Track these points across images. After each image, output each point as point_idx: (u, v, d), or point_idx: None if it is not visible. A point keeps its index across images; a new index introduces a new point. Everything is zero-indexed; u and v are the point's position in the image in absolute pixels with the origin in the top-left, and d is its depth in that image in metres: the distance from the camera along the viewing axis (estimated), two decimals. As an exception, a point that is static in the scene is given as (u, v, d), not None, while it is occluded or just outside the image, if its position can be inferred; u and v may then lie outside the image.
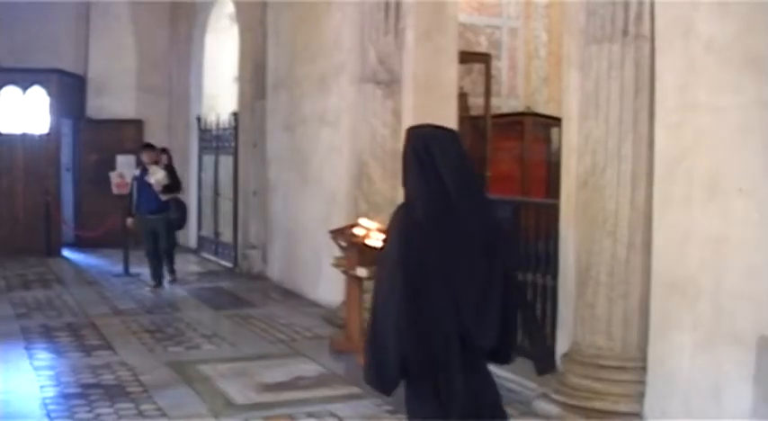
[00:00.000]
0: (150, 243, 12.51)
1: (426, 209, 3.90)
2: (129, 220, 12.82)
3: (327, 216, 10.42)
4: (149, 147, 12.93)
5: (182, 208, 12.86)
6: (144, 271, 13.28)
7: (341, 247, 8.85)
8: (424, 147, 4.01)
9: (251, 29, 13.76)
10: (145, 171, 12.40)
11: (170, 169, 12.71)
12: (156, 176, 12.25)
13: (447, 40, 9.73)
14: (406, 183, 4.09)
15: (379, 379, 3.91)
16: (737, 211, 5.16)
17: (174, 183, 12.53)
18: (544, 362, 4.57)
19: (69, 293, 12.03)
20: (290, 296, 11.89)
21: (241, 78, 14.40)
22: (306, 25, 11.79)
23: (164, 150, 13.48)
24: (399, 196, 10.10)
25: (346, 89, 10.45)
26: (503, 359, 4.14)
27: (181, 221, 12.94)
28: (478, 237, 3.89)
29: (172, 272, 13.05)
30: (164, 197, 12.36)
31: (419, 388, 3.95)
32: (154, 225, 12.42)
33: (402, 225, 3.97)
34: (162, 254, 12.58)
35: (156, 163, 12.53)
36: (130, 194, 12.83)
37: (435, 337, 3.81)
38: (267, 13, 13.30)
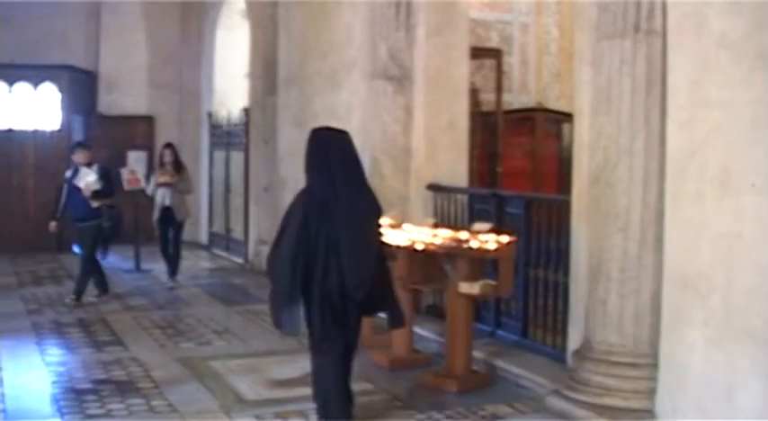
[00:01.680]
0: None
1: (319, 190, 5.69)
2: (53, 224, 11.41)
3: (338, 212, 10.41)
4: (81, 146, 11.55)
5: (116, 216, 11.33)
6: (156, 266, 13.31)
7: (352, 244, 8.84)
8: (323, 145, 5.85)
9: (262, 25, 13.75)
10: (76, 172, 11.08)
11: (105, 173, 11.15)
12: (87, 180, 10.90)
13: (458, 35, 9.73)
14: (307, 172, 5.85)
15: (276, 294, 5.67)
16: (750, 207, 5.14)
17: (105, 189, 11.02)
18: (395, 318, 6.07)
19: (80, 289, 12.05)
20: (301, 292, 11.87)
21: (252, 74, 14.39)
22: (317, 21, 11.79)
23: (169, 145, 12.87)
24: (411, 192, 10.20)
25: (357, 85, 10.44)
26: (382, 312, 6.06)
27: (114, 231, 11.34)
28: (357, 211, 5.61)
29: (173, 274, 12.65)
30: (94, 203, 10.92)
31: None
32: (80, 233, 11.08)
33: (303, 200, 5.71)
34: (87, 266, 11.10)
35: (89, 164, 11.08)
36: (58, 197, 11.32)
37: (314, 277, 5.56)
38: (278, 10, 13.30)
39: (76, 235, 11.24)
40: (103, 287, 11.33)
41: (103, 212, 11.06)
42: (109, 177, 11.25)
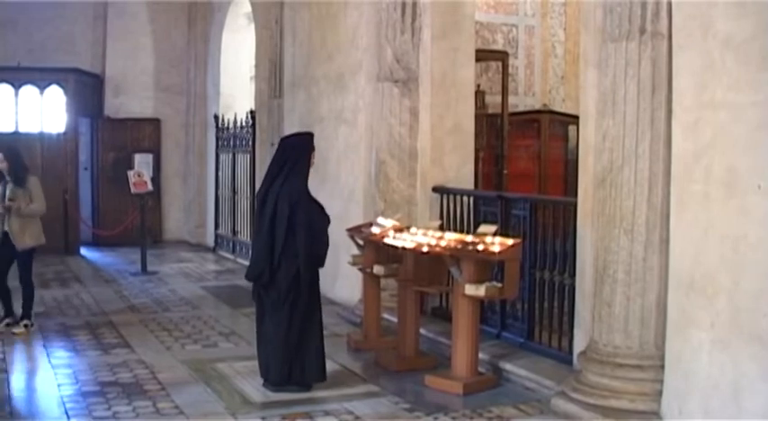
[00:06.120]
0: None
1: (262, 187, 7.37)
2: None
3: (345, 214, 10.43)
4: None
5: None
6: (162, 269, 13.33)
7: (358, 245, 8.85)
8: (277, 148, 7.52)
9: (268, 28, 13.77)
10: None
11: None
12: None
13: (464, 38, 9.74)
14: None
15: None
16: (756, 209, 5.13)
17: None
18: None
19: (87, 292, 12.07)
20: (307, 294, 11.87)
21: (258, 77, 14.42)
22: (323, 24, 11.80)
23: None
24: (417, 194, 10.20)
25: (363, 88, 10.45)
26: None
27: None
28: (272, 207, 7.04)
29: (24, 316, 9.55)
30: None
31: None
32: None
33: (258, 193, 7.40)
34: None
35: None
36: None
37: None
38: (284, 12, 13.30)
39: None
40: None
41: None
42: None
